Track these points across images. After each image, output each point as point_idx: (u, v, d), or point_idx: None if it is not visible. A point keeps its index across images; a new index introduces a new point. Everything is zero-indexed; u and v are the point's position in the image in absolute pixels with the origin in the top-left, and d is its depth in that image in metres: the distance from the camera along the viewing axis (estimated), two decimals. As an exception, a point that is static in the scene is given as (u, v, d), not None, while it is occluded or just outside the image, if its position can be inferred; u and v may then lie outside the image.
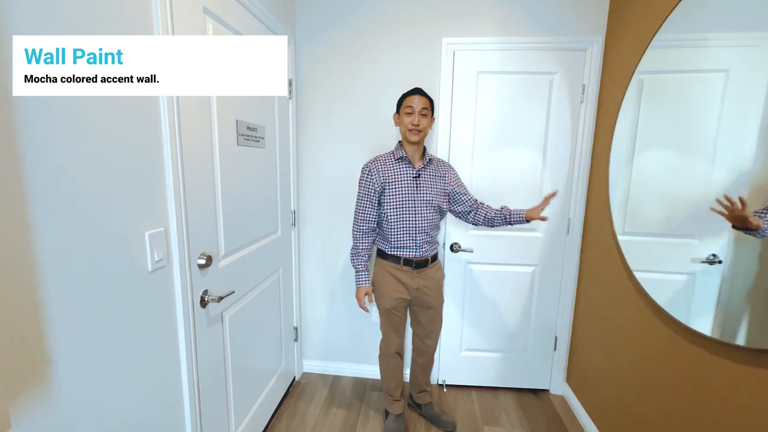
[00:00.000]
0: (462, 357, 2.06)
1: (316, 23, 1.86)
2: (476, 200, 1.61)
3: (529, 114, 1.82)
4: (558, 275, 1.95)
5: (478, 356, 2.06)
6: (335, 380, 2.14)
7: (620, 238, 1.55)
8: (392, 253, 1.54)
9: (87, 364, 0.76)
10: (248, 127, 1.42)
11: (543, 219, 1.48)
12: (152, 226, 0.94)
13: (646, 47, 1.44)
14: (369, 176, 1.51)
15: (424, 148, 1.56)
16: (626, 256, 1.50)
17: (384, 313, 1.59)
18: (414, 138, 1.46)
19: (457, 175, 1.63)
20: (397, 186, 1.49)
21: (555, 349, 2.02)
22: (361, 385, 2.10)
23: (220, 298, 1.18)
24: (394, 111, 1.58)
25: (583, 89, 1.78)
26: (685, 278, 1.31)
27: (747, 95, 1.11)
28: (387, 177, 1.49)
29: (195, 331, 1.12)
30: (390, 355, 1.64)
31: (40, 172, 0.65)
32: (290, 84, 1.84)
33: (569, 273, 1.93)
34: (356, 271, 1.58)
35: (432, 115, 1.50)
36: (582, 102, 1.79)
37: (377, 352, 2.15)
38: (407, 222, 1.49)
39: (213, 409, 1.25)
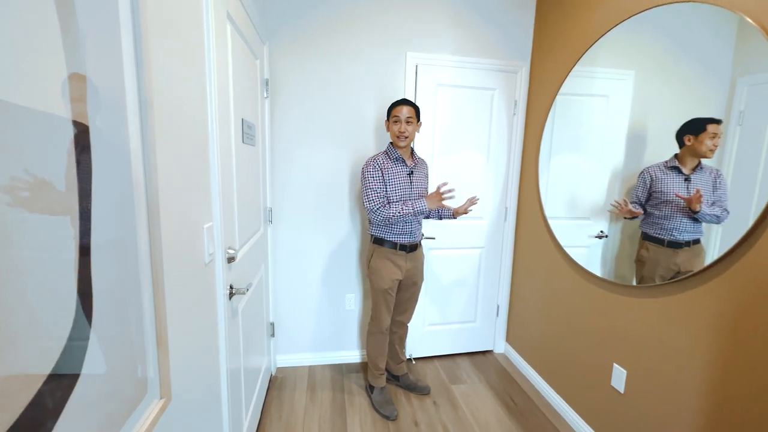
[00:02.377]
0: (425, 332, 2.36)
1: (289, 28, 1.93)
2: None
3: (476, 122, 2.20)
4: (499, 254, 2.40)
5: (439, 329, 2.38)
6: (311, 370, 2.22)
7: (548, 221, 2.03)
8: (390, 239, 1.74)
9: (178, 347, 0.80)
10: (248, 126, 1.45)
11: (465, 212, 1.79)
12: (207, 220, 0.97)
13: (562, 76, 1.92)
14: (374, 168, 1.68)
15: (412, 149, 1.79)
16: (555, 234, 1.97)
17: (381, 294, 1.77)
18: (401, 143, 1.68)
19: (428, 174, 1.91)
20: (395, 182, 1.69)
21: (497, 316, 2.47)
22: (337, 370, 2.23)
23: (246, 290, 1.23)
24: (384, 119, 1.81)
25: (515, 104, 2.23)
26: (586, 249, 1.82)
27: (619, 115, 1.62)
28: (387, 173, 1.69)
29: (227, 323, 1.15)
30: (381, 332, 1.84)
31: (161, 171, 0.69)
32: (266, 84, 1.87)
33: (507, 251, 2.38)
34: (414, 209, 1.63)
35: (418, 120, 1.73)
36: (515, 114, 2.24)
37: (350, 338, 2.32)
38: None
39: (234, 399, 1.28)
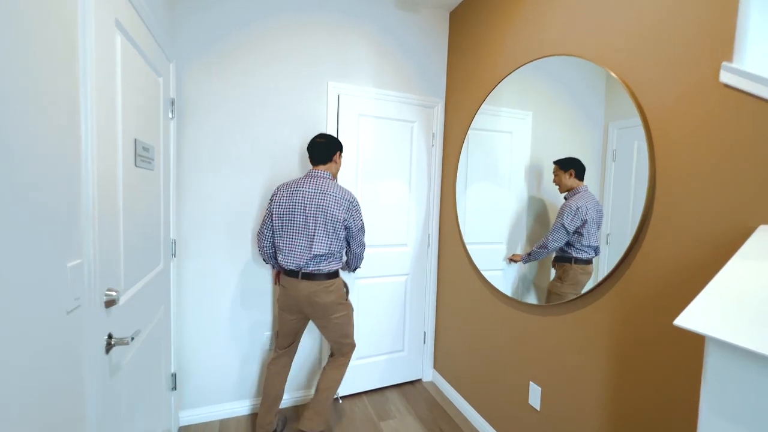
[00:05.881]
0: (354, 366, 2.24)
1: (204, 48, 1.81)
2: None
3: (397, 151, 2.27)
4: (424, 280, 2.43)
5: (368, 362, 2.29)
6: (223, 424, 1.94)
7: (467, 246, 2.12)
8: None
9: (13, 431, 0.61)
10: (144, 147, 1.28)
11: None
12: (72, 256, 0.80)
13: (473, 113, 2.09)
14: None
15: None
16: (473, 259, 2.07)
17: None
18: None
19: None
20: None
21: (424, 343, 2.47)
22: (255, 420, 1.98)
23: (131, 339, 1.02)
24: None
25: (433, 137, 2.36)
26: (501, 272, 1.94)
27: (521, 149, 1.80)
28: None
29: (102, 384, 0.94)
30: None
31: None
32: (172, 103, 1.70)
33: (431, 277, 2.43)
34: None
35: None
36: (433, 146, 2.36)
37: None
38: None
39: (111, 480, 1.03)
